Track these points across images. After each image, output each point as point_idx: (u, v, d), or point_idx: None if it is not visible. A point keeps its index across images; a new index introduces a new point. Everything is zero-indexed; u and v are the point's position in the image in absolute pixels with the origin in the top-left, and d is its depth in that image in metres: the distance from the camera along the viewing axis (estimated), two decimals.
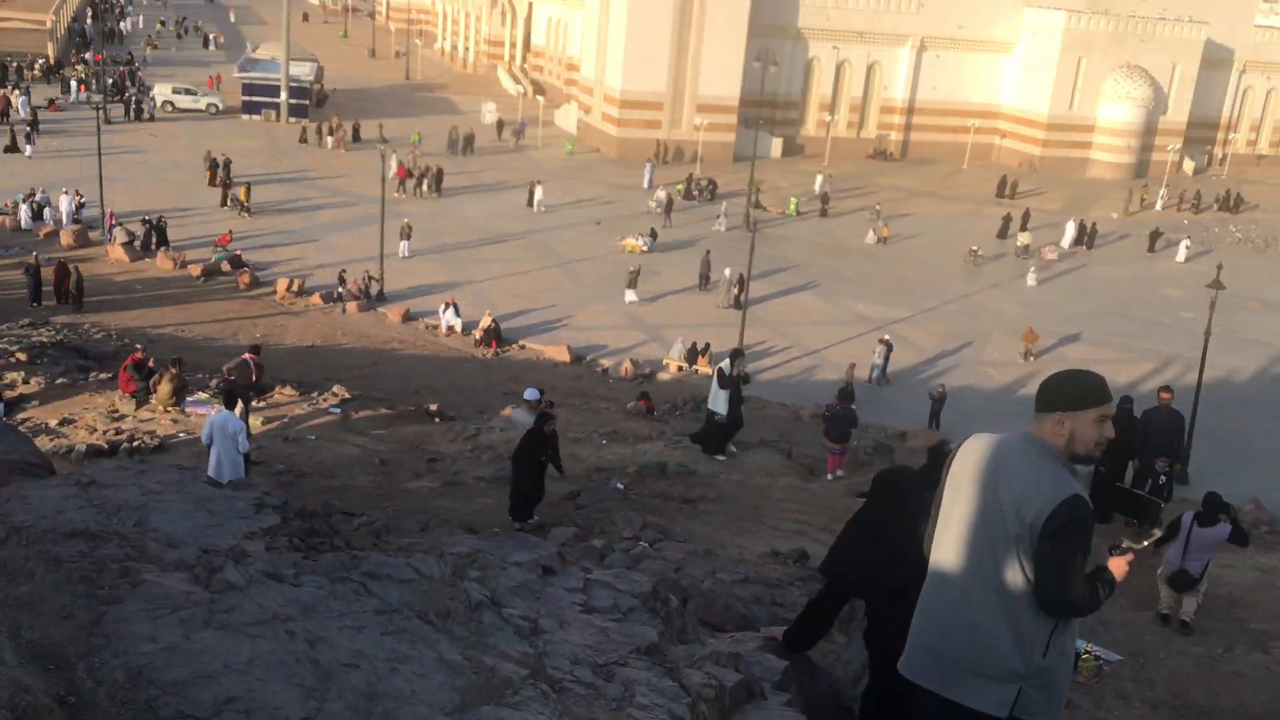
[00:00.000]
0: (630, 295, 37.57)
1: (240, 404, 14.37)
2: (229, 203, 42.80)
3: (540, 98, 67.26)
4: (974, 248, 46.37)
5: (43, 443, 17.79)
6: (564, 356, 32.29)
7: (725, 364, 18.81)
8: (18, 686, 2.41)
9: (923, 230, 50.37)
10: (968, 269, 45.48)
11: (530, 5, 76.60)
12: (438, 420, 22.66)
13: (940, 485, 3.67)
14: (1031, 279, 43.74)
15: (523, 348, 33.16)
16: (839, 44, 63.70)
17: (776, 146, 62.15)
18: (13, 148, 46.98)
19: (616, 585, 3.79)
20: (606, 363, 32.39)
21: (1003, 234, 49.83)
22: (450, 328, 33.68)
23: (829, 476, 19.12)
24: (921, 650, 3.48)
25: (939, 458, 7.26)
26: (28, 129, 48.27)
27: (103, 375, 22.81)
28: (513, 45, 79.23)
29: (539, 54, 76.34)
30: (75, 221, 38.29)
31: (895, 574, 3.98)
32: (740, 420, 18.97)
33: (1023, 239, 48.28)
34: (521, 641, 3.19)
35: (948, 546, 3.42)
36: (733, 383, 18.35)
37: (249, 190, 43.02)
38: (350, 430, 20.41)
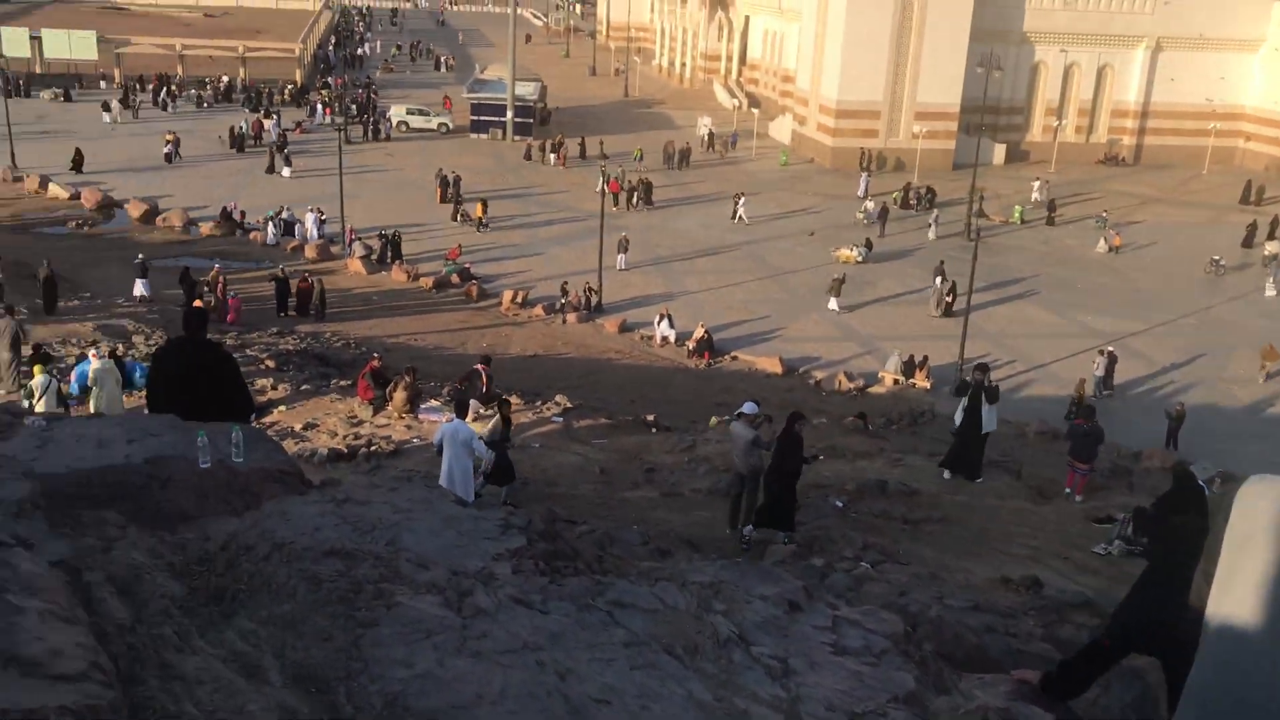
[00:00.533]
0: (832, 303, 37.01)
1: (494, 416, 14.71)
2: (460, 218, 44.48)
3: (755, 110, 67.16)
4: (1216, 257, 43.29)
5: (289, 446, 18.96)
6: (776, 368, 32.01)
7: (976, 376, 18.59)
8: (285, 710, 2.46)
9: (1158, 238, 47.44)
10: (1208, 280, 42.50)
11: (747, 19, 76.67)
12: (655, 431, 22.85)
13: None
14: (1271, 289, 40.46)
15: (735, 359, 33.07)
16: (1067, 47, 60.91)
17: (999, 153, 59.89)
18: (271, 169, 50.29)
19: (865, 624, 3.60)
20: (820, 375, 31.92)
21: (1248, 243, 46.37)
22: (665, 338, 33.95)
23: (1070, 494, 18.21)
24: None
25: (1187, 485, 6.67)
26: (285, 152, 51.53)
27: (343, 382, 24.10)
28: (729, 59, 79.48)
29: (754, 67, 76.30)
30: (319, 237, 40.67)
31: (1184, 628, 3.61)
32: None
33: (1270, 248, 44.74)
34: (773, 683, 3.06)
35: (1250, 609, 3.01)
36: (990, 394, 18.09)
37: (485, 206, 44.55)
38: (572, 439, 20.79)
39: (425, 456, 18.32)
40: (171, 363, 7.96)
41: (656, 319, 34.39)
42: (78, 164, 47.31)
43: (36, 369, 20.52)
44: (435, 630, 2.99)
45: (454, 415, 19.47)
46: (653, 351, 33.78)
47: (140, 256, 34.52)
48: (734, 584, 3.45)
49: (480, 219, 44.16)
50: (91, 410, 19.83)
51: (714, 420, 23.59)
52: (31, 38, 66.55)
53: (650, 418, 23.76)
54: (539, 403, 23.32)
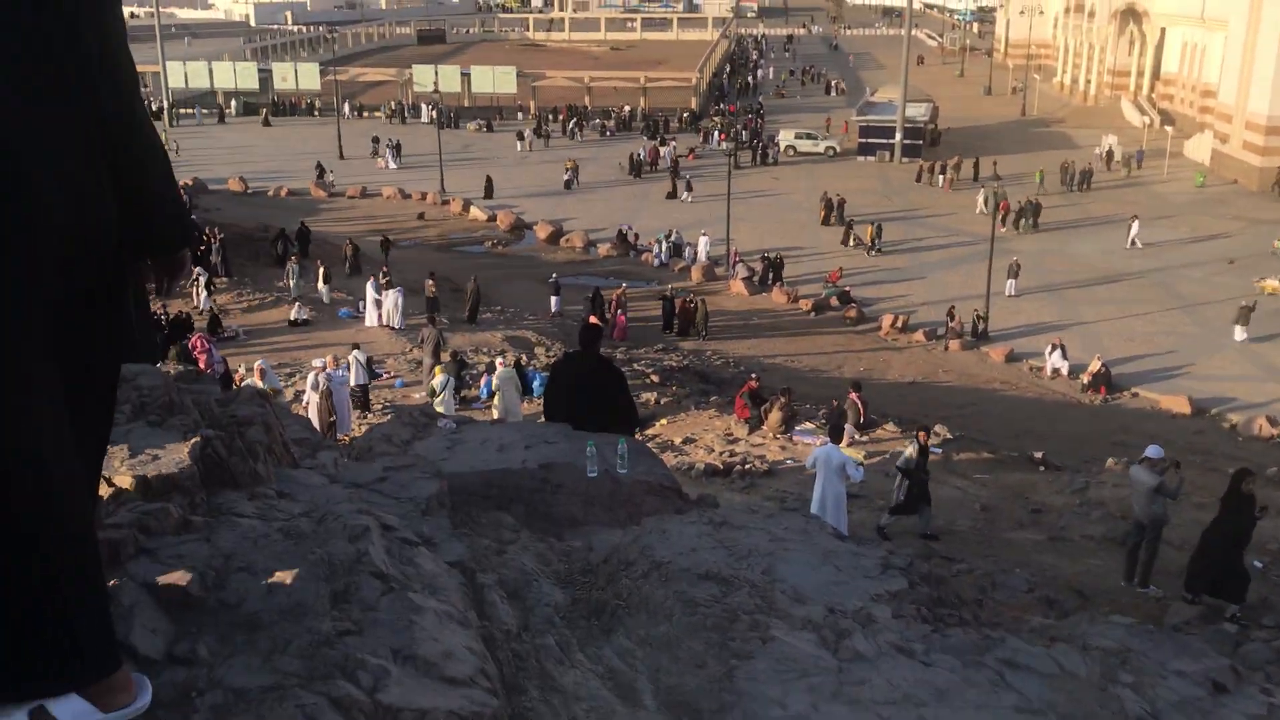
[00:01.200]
0: (1239, 333, 33.22)
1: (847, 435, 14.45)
2: (853, 242, 44.07)
3: (1169, 128, 61.95)
4: None
5: (668, 458, 19.63)
6: (1183, 408, 29.16)
7: None
8: None
9: None
10: None
11: (1162, 31, 71.03)
12: (1042, 469, 21.52)
13: None
14: None
15: (1135, 396, 30.49)
16: None
17: None
18: (673, 194, 52.46)
19: None
20: (1235, 418, 28.72)
21: None
22: (1056, 370, 31.95)
23: None
24: None
25: None
26: (677, 177, 53.61)
27: (721, 400, 24.64)
28: (1140, 74, 74.02)
29: (1169, 82, 70.52)
30: (706, 259, 41.95)
31: None
32: None
33: None
34: None
35: None
36: None
37: (879, 230, 44.10)
38: (951, 472, 20.00)
39: (798, 478, 18.29)
40: (567, 375, 8.41)
41: (1047, 349, 32.45)
42: (488, 190, 51.64)
43: (437, 369, 22.62)
44: (811, 671, 2.87)
45: (828, 439, 19.30)
46: (1042, 384, 31.88)
47: (554, 276, 37.19)
48: (1145, 654, 3.06)
49: (871, 242, 43.66)
50: (495, 414, 21.56)
51: (1111, 461, 21.87)
52: (462, 74, 73.69)
53: (1038, 455, 22.38)
54: (917, 432, 22.64)
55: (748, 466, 18.41)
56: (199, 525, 2.91)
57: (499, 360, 23.16)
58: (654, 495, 7.04)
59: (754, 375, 23.63)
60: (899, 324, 35.59)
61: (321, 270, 32.76)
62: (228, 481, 3.28)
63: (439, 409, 21.17)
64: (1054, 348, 32.23)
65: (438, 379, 21.75)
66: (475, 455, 7.02)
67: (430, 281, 33.20)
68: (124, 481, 2.97)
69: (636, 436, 8.20)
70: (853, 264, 41.08)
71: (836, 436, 14.89)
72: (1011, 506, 17.97)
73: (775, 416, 20.76)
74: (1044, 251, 43.36)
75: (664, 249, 43.08)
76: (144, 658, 2.33)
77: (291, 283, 31.78)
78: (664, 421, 22.14)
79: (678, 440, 20.86)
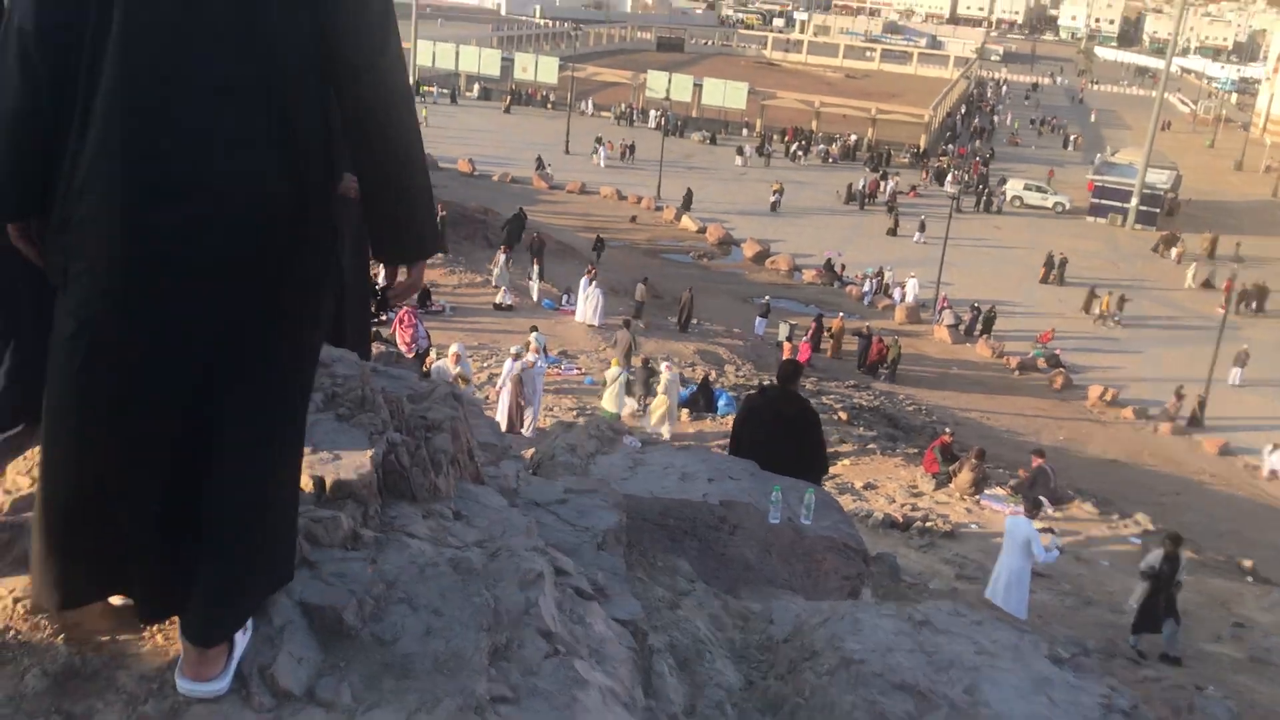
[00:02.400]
0: None
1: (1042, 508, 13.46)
2: (1101, 317, 41.52)
3: None
4: None
5: (845, 502, 18.99)
6: None
7: None
8: None
9: None
10: None
11: None
12: (1250, 579, 19.81)
13: None
14: None
15: None
16: None
17: None
18: (893, 230, 51.23)
19: None
20: None
21: None
22: (1274, 472, 29.56)
23: None
24: None
25: None
26: (922, 219, 52.19)
27: (909, 449, 23.75)
28: None
29: None
30: (913, 301, 40.78)
31: None
32: None
33: None
34: None
35: None
36: None
37: (1120, 301, 41.82)
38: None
39: (981, 545, 17.40)
40: (760, 411, 8.07)
41: (1267, 449, 30.06)
42: (687, 202, 51.64)
43: (614, 361, 22.67)
44: None
45: (1020, 508, 18.28)
46: (1257, 485, 29.54)
47: (766, 298, 36.93)
48: None
49: (1105, 312, 41.29)
50: (653, 416, 21.57)
51: None
52: (694, 84, 74.16)
53: (1246, 563, 20.65)
54: (1115, 516, 21.23)
55: (929, 524, 17.60)
56: (368, 541, 2.73)
57: (664, 365, 22.96)
58: (836, 553, 6.64)
59: (949, 430, 22.66)
60: (1107, 397, 33.67)
61: (537, 265, 33.29)
62: (405, 494, 3.10)
63: (606, 405, 21.28)
64: (1275, 448, 29.83)
65: (611, 370, 21.81)
66: (656, 480, 6.78)
67: (642, 286, 33.43)
68: (302, 482, 2.83)
69: (824, 483, 7.78)
70: (1067, 327, 39.15)
71: (1034, 509, 13.91)
72: (1211, 615, 16.57)
73: (965, 476, 19.82)
74: (1278, 344, 40.27)
75: (871, 284, 42.12)
76: (284, 691, 2.14)
77: (495, 270, 32.44)
78: (846, 463, 21.48)
79: (858, 484, 20.18)
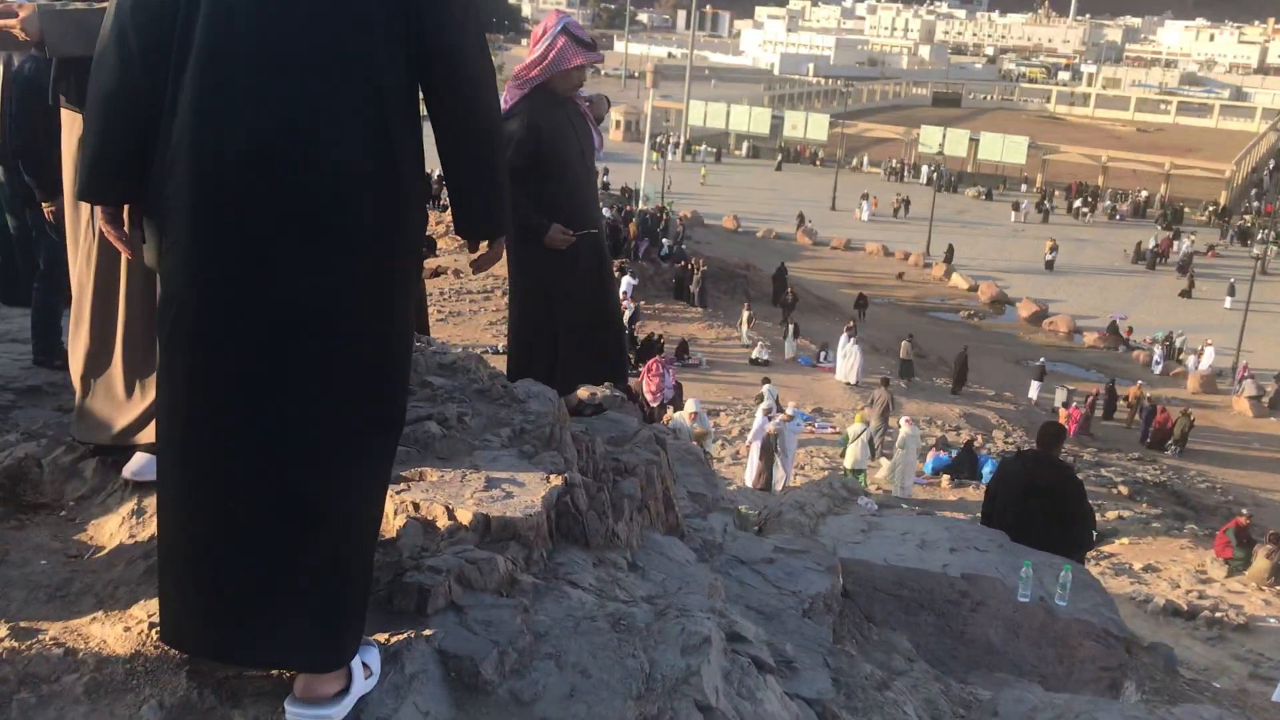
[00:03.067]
0: None
1: None
2: None
3: None
4: None
5: (1121, 584, 17.43)
6: None
7: None
8: None
9: None
10: None
11: None
12: None
13: None
14: None
15: None
16: None
17: None
18: (1186, 293, 47.68)
19: None
20: None
21: None
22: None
23: None
24: None
25: None
26: (1190, 274, 48.65)
27: (1199, 530, 21.67)
28: None
29: None
30: (1208, 369, 37.53)
31: None
32: None
33: None
34: None
35: None
36: None
37: None
38: None
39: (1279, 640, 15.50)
40: (1017, 477, 7.40)
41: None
42: (949, 256, 49.75)
43: (857, 415, 21.84)
44: None
45: None
46: None
47: (1041, 360, 35.11)
48: None
49: None
50: (882, 474, 20.63)
51: None
52: (970, 139, 72.04)
53: None
54: None
55: (1219, 615, 15.83)
56: (526, 587, 2.52)
57: (904, 420, 21.93)
58: (1094, 639, 5.93)
59: (1246, 512, 20.45)
60: None
61: (792, 326, 32.79)
62: (578, 538, 2.89)
63: (848, 462, 20.51)
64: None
65: (854, 426, 20.99)
66: (891, 546, 6.29)
67: (906, 343, 32.51)
68: (464, 516, 2.66)
69: (1086, 561, 7.03)
70: None
71: None
72: None
73: (1263, 565, 17.76)
74: None
75: (1160, 350, 39.09)
76: None
77: (745, 326, 32.08)
78: (1125, 541, 19.78)
79: (1137, 566, 18.50)
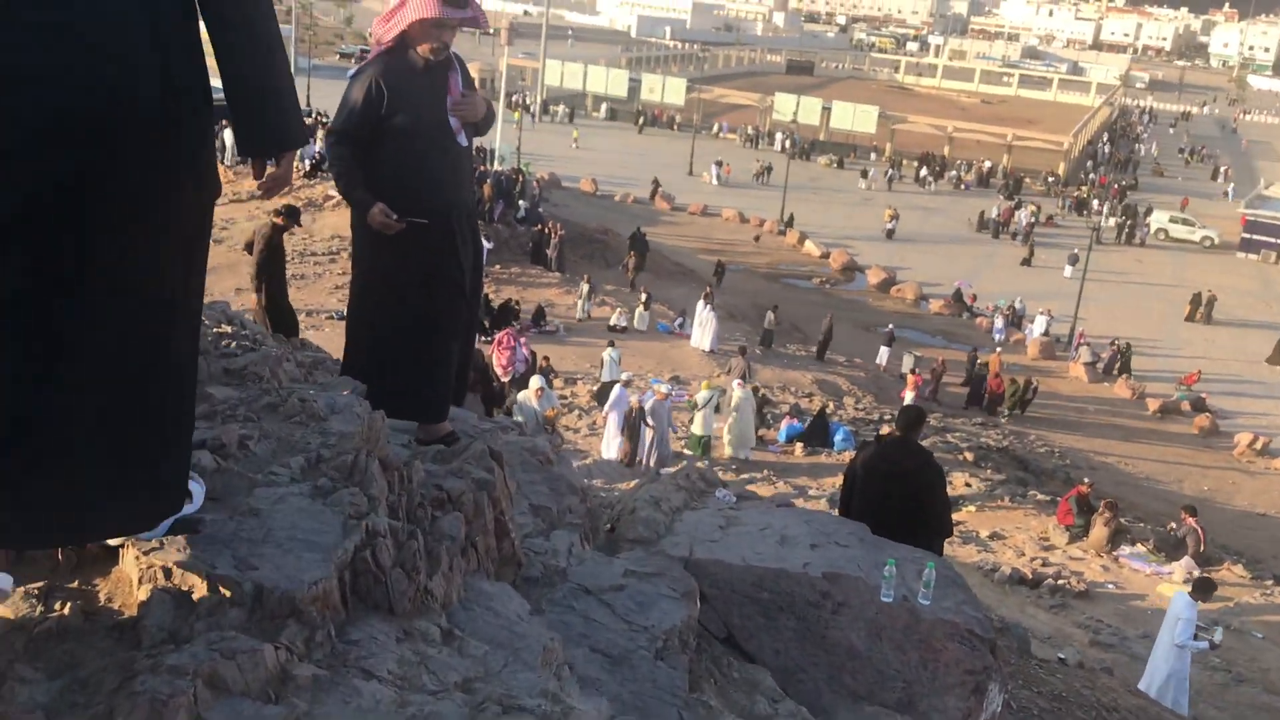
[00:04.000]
0: None
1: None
2: None
3: None
4: None
5: (970, 553, 17.71)
6: None
7: None
8: None
9: None
10: None
11: None
12: None
13: None
14: None
15: None
16: None
17: None
18: (1028, 261, 49.20)
19: None
20: None
21: None
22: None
23: None
24: None
25: None
26: (1031, 244, 50.23)
27: (1040, 496, 22.27)
28: None
29: None
30: (1045, 335, 38.85)
31: None
32: None
33: None
34: None
35: None
36: None
37: None
38: None
39: (1118, 608, 15.98)
40: (876, 465, 7.13)
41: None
42: (788, 224, 50.51)
43: (704, 384, 21.78)
44: None
45: (1165, 569, 16.83)
46: None
47: (890, 326, 35.62)
48: None
49: None
50: (724, 436, 20.57)
51: None
52: (823, 108, 72.91)
53: None
54: (1270, 582, 19.43)
55: (1062, 582, 16.23)
56: (303, 683, 1.98)
57: (736, 383, 21.89)
58: (958, 641, 5.68)
59: (1088, 481, 21.04)
60: (1257, 445, 31.32)
61: (644, 295, 32.32)
62: (380, 603, 2.35)
63: (695, 429, 20.37)
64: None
65: (701, 394, 20.84)
66: (750, 544, 5.92)
67: (772, 314, 32.57)
68: (227, 585, 2.10)
69: (941, 557, 6.80)
70: (1215, 370, 36.75)
71: (1204, 592, 11.45)
72: None
73: (1100, 532, 18.31)
74: None
75: (1002, 317, 40.27)
76: None
77: (582, 300, 31.47)
78: (972, 509, 20.15)
79: (984, 534, 18.86)
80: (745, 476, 19.10)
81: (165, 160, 2.09)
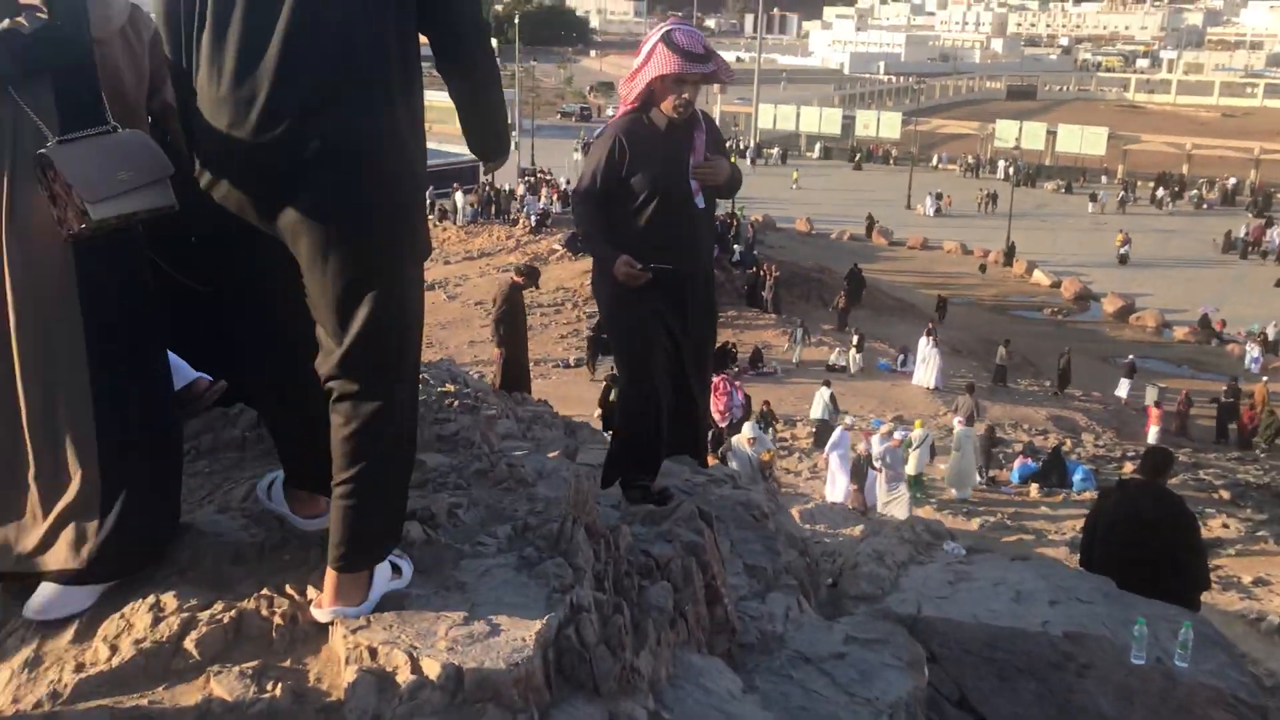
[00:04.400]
0: None
1: None
2: None
3: None
4: None
5: (1230, 600, 16.32)
6: None
7: None
8: None
9: None
10: None
11: None
12: None
13: None
14: None
15: None
16: None
17: None
18: None
19: None
20: None
21: None
22: None
23: None
24: None
25: None
26: None
27: None
28: None
29: None
30: None
31: None
32: None
33: None
34: None
35: None
36: None
37: None
38: None
39: None
40: (1121, 512, 6.62)
41: None
42: (1010, 252, 48.28)
43: (918, 424, 20.95)
44: None
45: None
46: None
47: (1130, 357, 33.71)
48: None
49: None
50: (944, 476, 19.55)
51: None
52: (1047, 132, 70.11)
53: None
54: None
55: None
56: None
57: (957, 420, 20.95)
58: (1223, 709, 5.16)
59: None
60: None
61: (856, 337, 31.60)
62: (584, 682, 2.28)
63: (909, 469, 19.58)
64: None
65: (916, 432, 20.04)
66: (982, 600, 5.58)
67: (1004, 349, 31.40)
68: (430, 668, 2.07)
69: (1199, 615, 6.23)
70: None
71: None
72: None
73: None
74: None
75: (1256, 344, 37.29)
76: None
77: (799, 345, 30.94)
78: (1231, 554, 18.61)
79: (1247, 579, 17.34)
80: (979, 521, 18.29)
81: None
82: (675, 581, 2.82)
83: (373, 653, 2.12)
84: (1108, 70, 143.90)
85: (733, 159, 4.91)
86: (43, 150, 2.28)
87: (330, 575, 2.29)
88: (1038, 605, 5.64)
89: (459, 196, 44.54)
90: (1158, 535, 6.47)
